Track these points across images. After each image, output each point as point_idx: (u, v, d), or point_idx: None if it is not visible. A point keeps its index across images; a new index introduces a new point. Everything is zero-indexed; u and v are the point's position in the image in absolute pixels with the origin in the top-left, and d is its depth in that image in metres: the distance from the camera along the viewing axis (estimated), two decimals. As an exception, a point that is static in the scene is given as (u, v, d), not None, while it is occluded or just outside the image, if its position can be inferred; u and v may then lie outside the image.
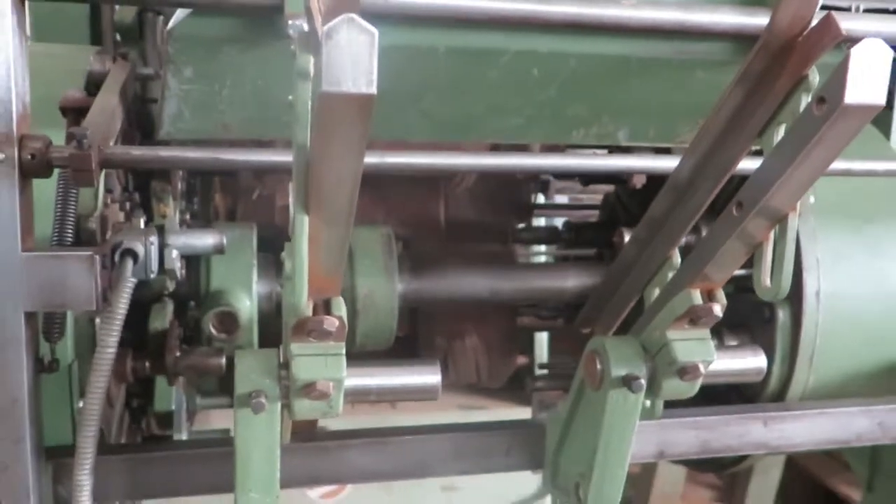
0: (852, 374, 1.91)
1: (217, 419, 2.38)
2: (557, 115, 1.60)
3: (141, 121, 1.88)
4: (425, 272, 1.96)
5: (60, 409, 1.49)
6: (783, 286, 1.19)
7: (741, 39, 1.49)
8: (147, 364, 1.68)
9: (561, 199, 3.16)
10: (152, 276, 1.39)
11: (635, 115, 1.63)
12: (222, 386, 2.11)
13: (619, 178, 2.28)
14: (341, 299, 1.15)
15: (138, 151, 1.33)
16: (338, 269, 1.09)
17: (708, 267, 1.26)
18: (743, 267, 1.30)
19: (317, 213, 0.99)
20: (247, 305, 1.73)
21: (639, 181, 2.27)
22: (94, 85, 1.61)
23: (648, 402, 1.47)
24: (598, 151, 2.18)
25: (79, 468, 1.27)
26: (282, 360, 1.24)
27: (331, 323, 1.13)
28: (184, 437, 1.97)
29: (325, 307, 1.15)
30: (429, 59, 1.43)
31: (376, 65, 0.81)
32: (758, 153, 1.25)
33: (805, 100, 1.09)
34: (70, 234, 1.34)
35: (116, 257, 1.32)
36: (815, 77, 1.10)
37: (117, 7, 2.16)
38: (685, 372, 1.33)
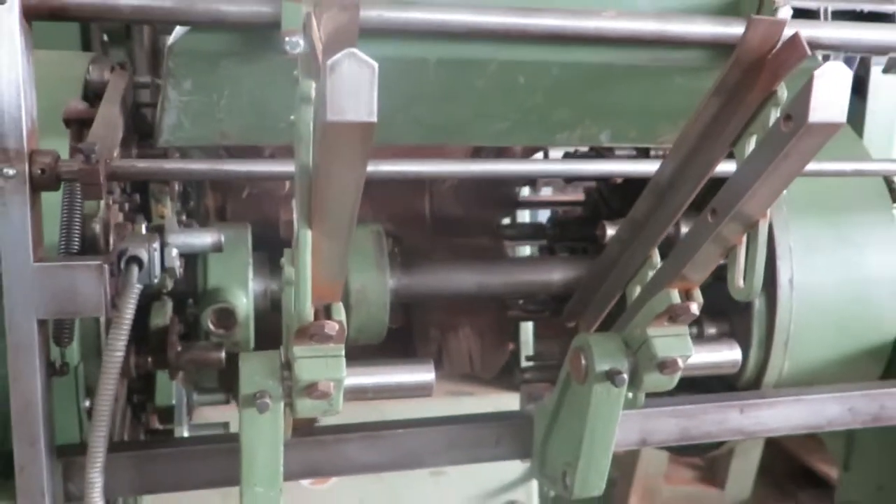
0: (825, 358, 1.99)
1: (214, 412, 2.45)
2: (543, 120, 1.66)
3: (136, 123, 1.93)
4: (415, 268, 2.02)
5: (67, 408, 1.55)
6: (755, 287, 1.27)
7: (716, 47, 1.56)
8: (149, 359, 1.74)
9: (546, 190, 3.22)
10: (156, 281, 1.45)
11: (617, 118, 1.70)
12: (220, 383, 2.18)
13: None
14: (341, 305, 1.22)
15: (143, 164, 1.39)
16: (338, 278, 1.16)
17: (686, 268, 1.34)
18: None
19: (319, 228, 1.06)
20: (243, 302, 1.79)
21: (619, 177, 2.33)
22: (93, 94, 1.66)
23: (631, 394, 1.55)
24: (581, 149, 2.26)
25: (90, 466, 1.34)
26: (283, 361, 1.31)
27: (331, 327, 1.19)
28: (184, 430, 2.03)
29: (325, 312, 1.21)
30: (419, 69, 1.49)
31: (376, 95, 0.87)
32: (732, 155, 1.32)
33: (774, 114, 1.17)
34: (77, 243, 1.40)
35: (122, 264, 1.37)
36: (783, 92, 1.17)
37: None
38: (665, 366, 1.41)
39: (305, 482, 3.49)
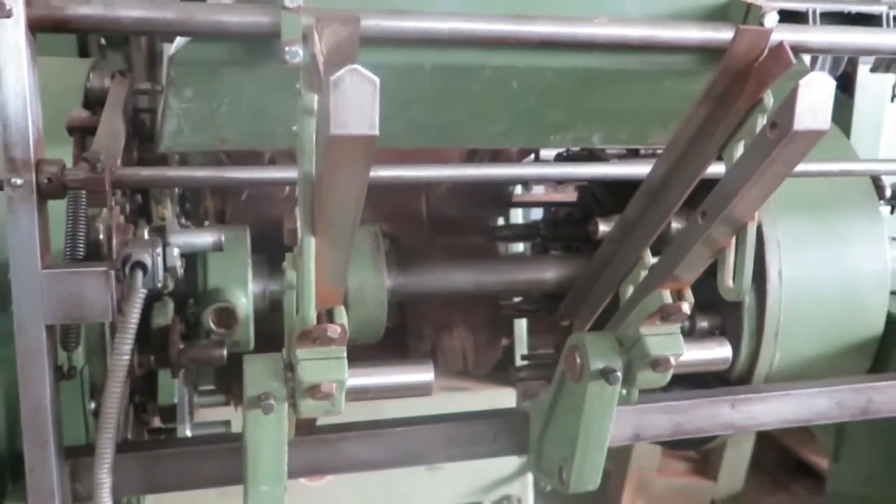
0: (815, 349, 2.03)
1: (213, 411, 2.47)
2: (536, 122, 1.69)
3: (136, 128, 1.95)
4: (412, 267, 2.06)
5: (73, 410, 1.59)
6: (744, 287, 1.31)
7: (705, 51, 1.59)
8: (152, 358, 1.77)
9: (539, 188, 3.25)
10: (160, 285, 1.48)
11: (609, 121, 1.73)
12: (218, 385, 2.21)
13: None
14: (343, 308, 1.25)
15: (147, 172, 1.42)
16: (340, 283, 1.20)
17: (677, 269, 1.38)
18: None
19: (322, 235, 1.09)
20: (243, 302, 1.82)
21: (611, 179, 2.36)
22: (93, 101, 1.69)
23: (625, 391, 1.59)
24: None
25: (99, 467, 1.37)
26: (286, 363, 1.34)
27: (334, 330, 1.23)
28: (187, 428, 2.06)
29: (327, 316, 1.25)
30: (416, 75, 1.52)
31: (378, 109, 0.91)
32: (721, 158, 1.36)
33: (761, 120, 1.21)
34: (82, 249, 1.42)
35: (127, 270, 1.40)
36: (769, 100, 1.21)
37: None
38: (657, 364, 1.45)
39: (302, 479, 3.50)
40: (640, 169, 1.67)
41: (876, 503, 2.41)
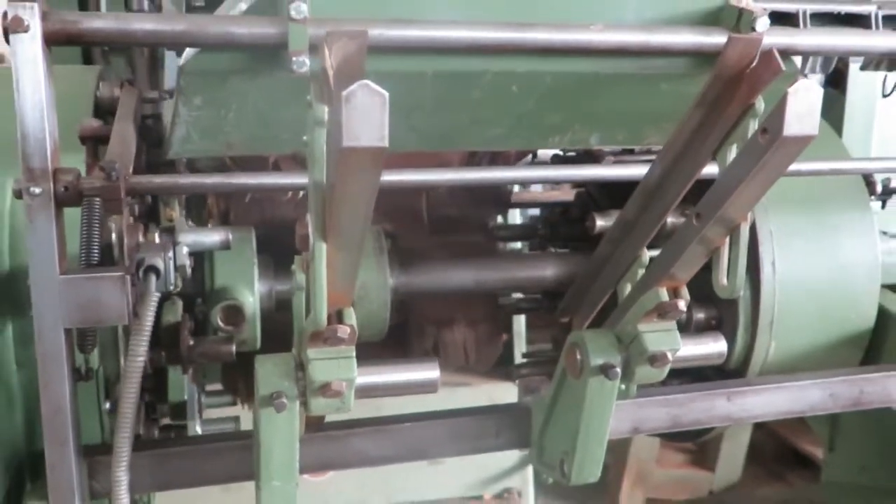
0: (809, 339, 2.08)
1: (221, 411, 2.52)
2: (535, 125, 1.74)
3: (143, 134, 1.99)
4: (413, 266, 2.10)
5: (89, 410, 1.63)
6: (738, 284, 1.36)
7: (698, 55, 1.63)
8: (162, 354, 1.82)
9: (536, 187, 3.29)
10: (171, 288, 1.53)
11: (606, 123, 1.77)
12: (225, 385, 2.26)
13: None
14: (352, 309, 1.30)
15: (159, 179, 1.46)
16: (350, 285, 1.24)
17: (673, 268, 1.43)
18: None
19: (333, 241, 1.14)
20: (250, 301, 1.87)
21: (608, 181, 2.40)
22: (104, 110, 1.73)
23: (623, 386, 1.64)
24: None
25: (116, 465, 1.42)
26: (297, 362, 1.39)
27: (344, 331, 1.27)
28: (197, 425, 2.10)
29: (337, 317, 1.30)
30: (418, 82, 1.56)
31: (387, 122, 0.95)
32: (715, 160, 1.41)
33: (753, 125, 1.25)
34: (97, 254, 1.46)
35: (141, 274, 1.45)
36: (760, 105, 1.25)
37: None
38: (655, 360, 1.50)
39: (305, 475, 3.54)
40: (636, 170, 1.72)
41: (869, 492, 2.46)
